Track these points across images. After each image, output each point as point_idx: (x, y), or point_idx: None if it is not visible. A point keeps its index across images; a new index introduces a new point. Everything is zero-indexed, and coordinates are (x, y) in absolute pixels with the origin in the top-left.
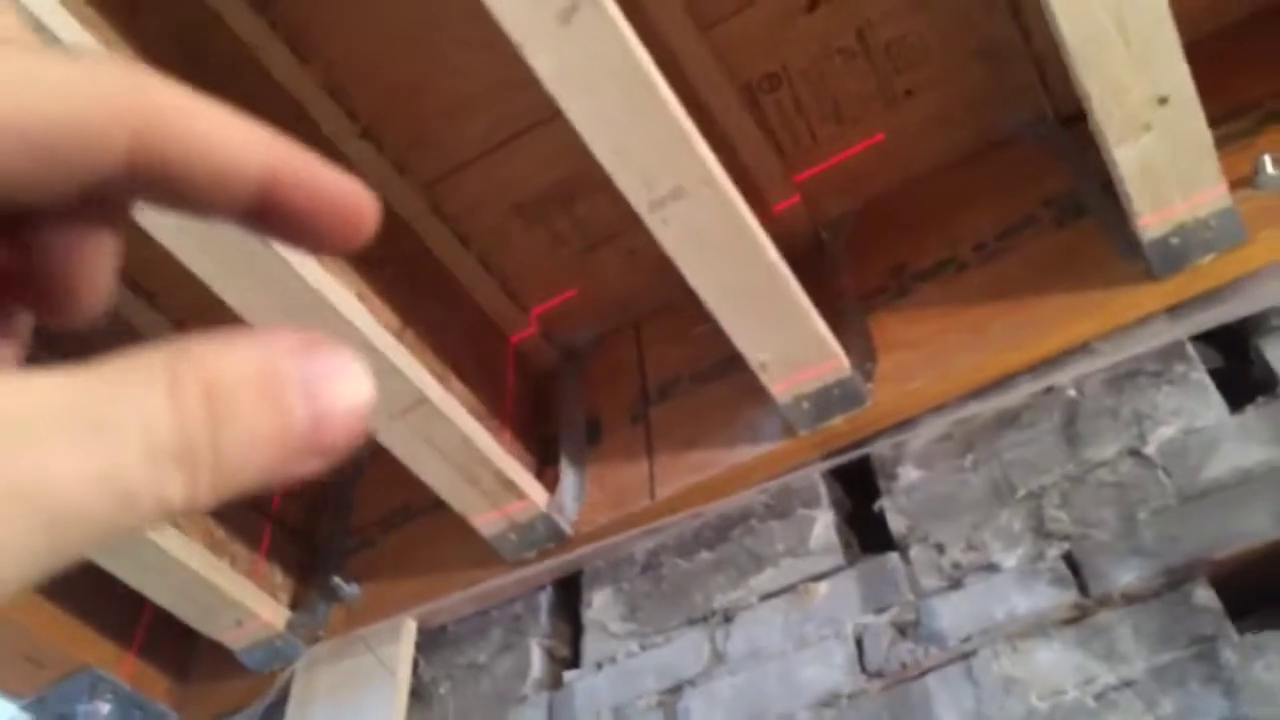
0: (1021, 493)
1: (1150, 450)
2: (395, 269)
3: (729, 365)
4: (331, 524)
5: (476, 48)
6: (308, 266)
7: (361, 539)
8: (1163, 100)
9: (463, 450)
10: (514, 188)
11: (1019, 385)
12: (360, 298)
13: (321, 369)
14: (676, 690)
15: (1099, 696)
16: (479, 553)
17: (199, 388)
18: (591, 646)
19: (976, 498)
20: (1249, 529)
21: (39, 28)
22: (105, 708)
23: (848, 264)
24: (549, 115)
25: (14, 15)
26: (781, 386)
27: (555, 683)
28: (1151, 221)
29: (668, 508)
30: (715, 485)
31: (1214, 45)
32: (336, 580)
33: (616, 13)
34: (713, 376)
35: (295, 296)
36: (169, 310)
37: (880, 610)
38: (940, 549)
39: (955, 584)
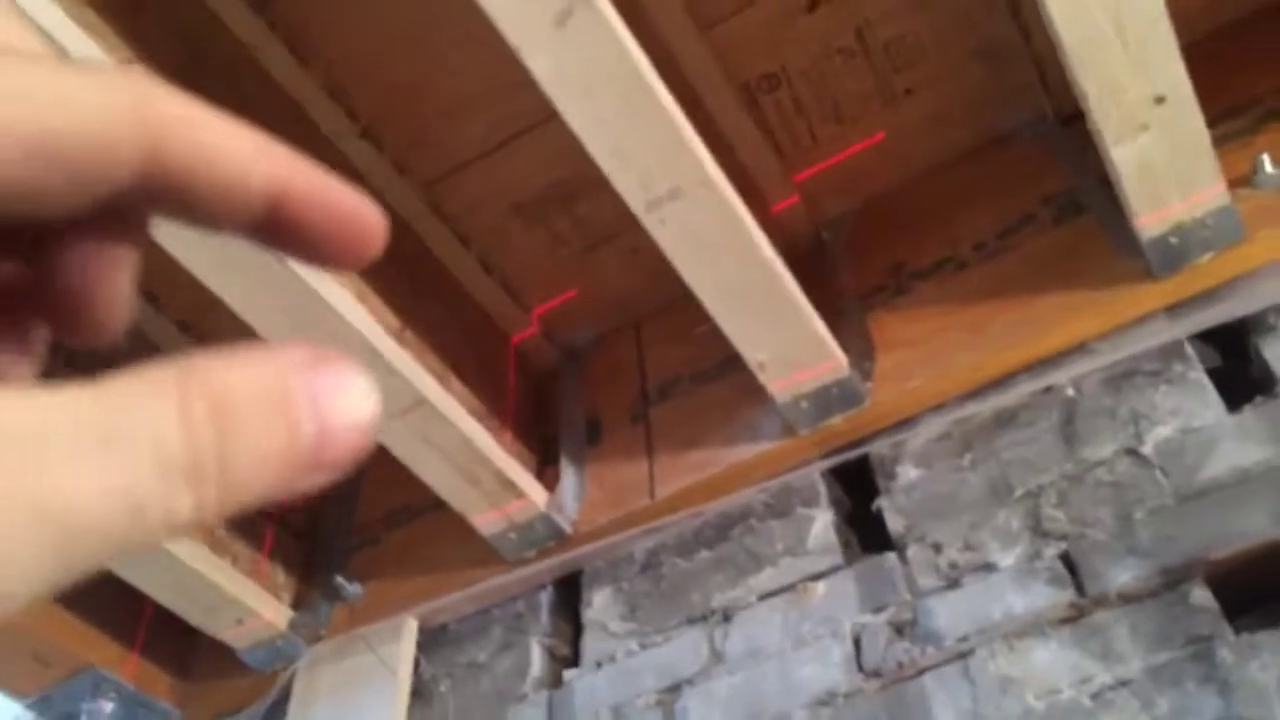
0: (1019, 492)
1: (1148, 450)
2: (395, 269)
3: (729, 365)
4: (333, 523)
5: (476, 48)
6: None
7: (363, 538)
8: (1160, 100)
9: (462, 450)
10: (514, 188)
11: (1018, 384)
12: (360, 298)
13: (327, 384)
14: (675, 689)
15: (1095, 696)
16: (480, 552)
17: (208, 403)
18: (591, 645)
19: (974, 497)
20: (1246, 528)
21: (38, 29)
22: (108, 706)
23: (847, 263)
24: (549, 115)
25: (23, 26)
26: (780, 386)
27: (555, 681)
28: (1149, 221)
29: (667, 507)
30: (715, 484)
31: (1212, 45)
32: (339, 579)
33: (613, 15)
34: (713, 376)
35: (295, 297)
36: (170, 311)
37: (878, 610)
38: (938, 548)
39: (952, 583)
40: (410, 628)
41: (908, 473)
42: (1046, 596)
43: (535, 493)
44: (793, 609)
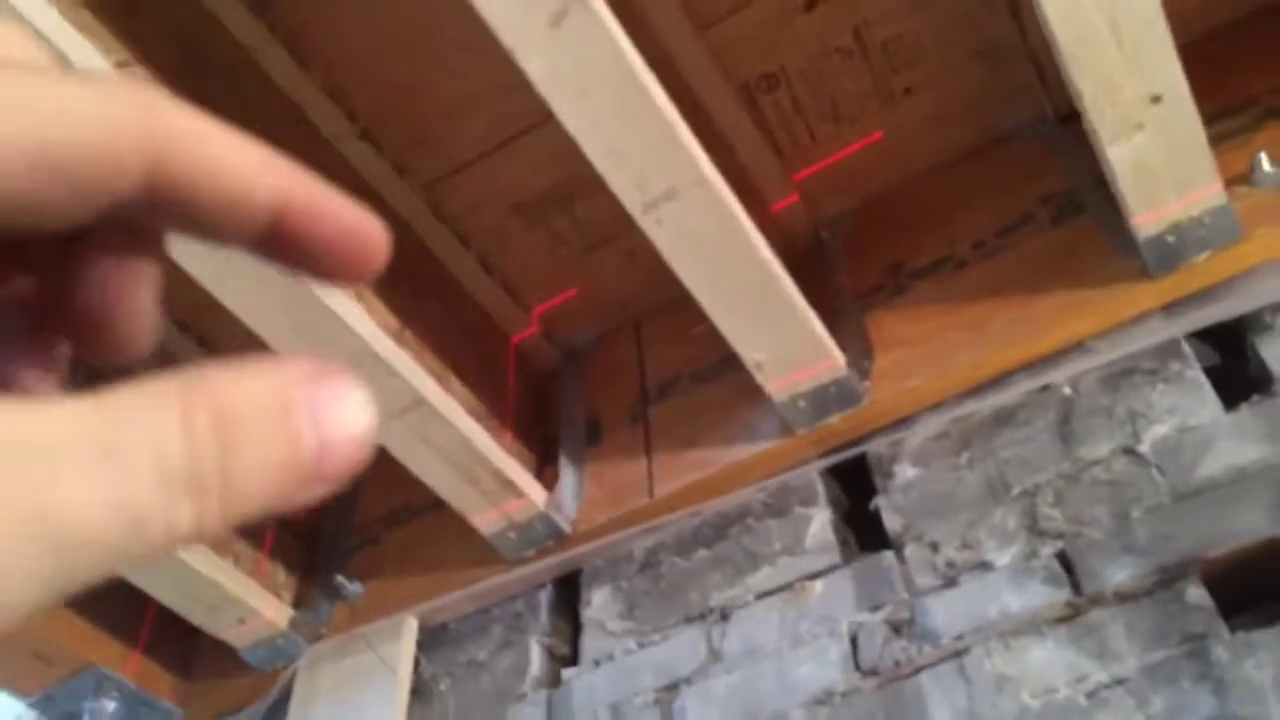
0: (1016, 491)
1: (1144, 448)
2: (395, 269)
3: (728, 365)
4: (334, 523)
5: (476, 49)
6: None
7: (363, 537)
8: (1155, 99)
9: (461, 450)
10: (514, 188)
11: (1016, 383)
12: (359, 298)
13: (328, 397)
14: (673, 688)
15: (1091, 694)
16: (479, 551)
17: (211, 416)
18: (590, 644)
19: (971, 496)
20: (1242, 527)
21: (34, 32)
22: (111, 705)
23: (846, 262)
24: (549, 116)
25: (26, 37)
26: (778, 386)
27: (554, 680)
28: (1146, 220)
29: (666, 506)
30: (713, 484)
31: (1209, 45)
32: (340, 579)
33: (607, 15)
34: (712, 376)
35: (294, 298)
36: (169, 311)
37: (875, 608)
38: (935, 547)
39: (949, 582)
40: (410, 627)
41: (905, 472)
42: (1043, 595)
43: (534, 492)
44: (790, 608)
